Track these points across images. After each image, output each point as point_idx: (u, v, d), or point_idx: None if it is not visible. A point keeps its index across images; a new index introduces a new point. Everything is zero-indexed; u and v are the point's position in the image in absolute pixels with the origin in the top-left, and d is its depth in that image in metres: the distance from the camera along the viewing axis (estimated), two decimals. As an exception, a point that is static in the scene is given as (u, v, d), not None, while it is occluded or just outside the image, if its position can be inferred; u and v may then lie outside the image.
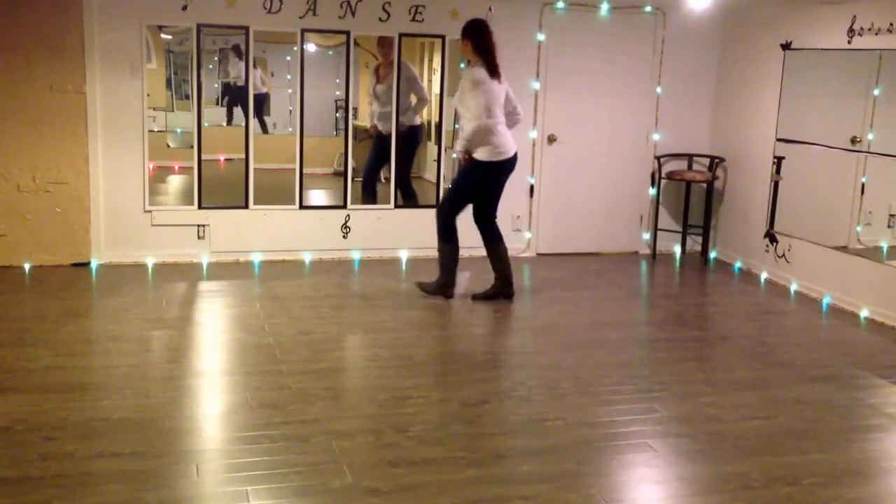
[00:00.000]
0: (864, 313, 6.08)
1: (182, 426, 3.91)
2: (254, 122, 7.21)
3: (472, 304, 6.06)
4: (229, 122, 9.35)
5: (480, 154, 5.82)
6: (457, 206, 6.04)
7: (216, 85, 9.21)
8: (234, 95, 9.21)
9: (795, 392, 4.61)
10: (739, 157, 7.48)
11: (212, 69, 9.25)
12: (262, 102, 9.59)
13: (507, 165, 5.92)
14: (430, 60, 8.48)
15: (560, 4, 7.26)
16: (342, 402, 4.29)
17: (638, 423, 4.12)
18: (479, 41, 5.80)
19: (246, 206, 6.99)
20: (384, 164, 7.59)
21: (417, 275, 6.77)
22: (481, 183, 5.96)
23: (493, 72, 5.78)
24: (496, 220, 6.11)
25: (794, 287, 6.75)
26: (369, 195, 7.64)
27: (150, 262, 6.71)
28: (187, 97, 7.82)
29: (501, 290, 6.12)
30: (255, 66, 9.14)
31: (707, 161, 7.70)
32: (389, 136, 7.35)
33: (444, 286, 6.06)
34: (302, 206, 7.10)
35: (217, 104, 9.35)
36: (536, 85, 7.39)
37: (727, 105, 7.66)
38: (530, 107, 7.36)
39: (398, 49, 7.10)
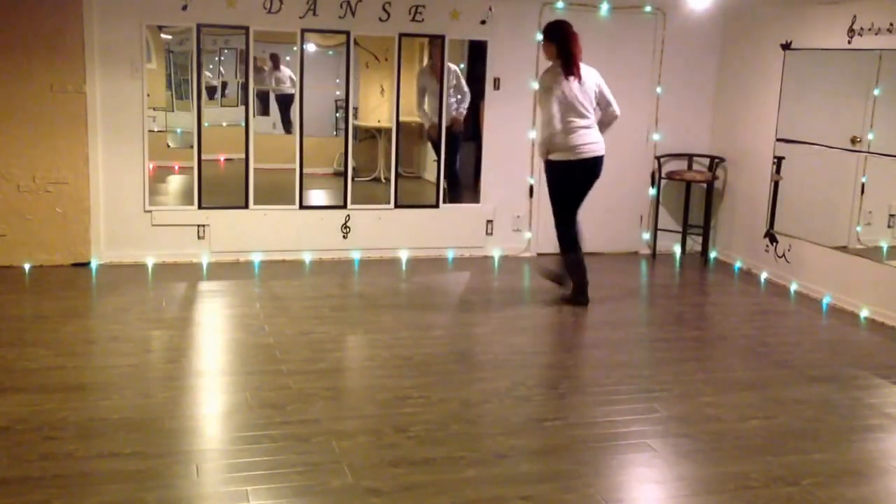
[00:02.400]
0: (864, 313, 6.08)
1: (182, 426, 3.91)
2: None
3: (472, 304, 6.06)
4: (287, 131, 9.39)
5: (554, 155, 5.82)
6: (562, 212, 5.94)
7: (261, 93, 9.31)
8: (279, 103, 9.28)
9: (795, 392, 4.61)
10: (739, 157, 7.48)
11: (229, 72, 9.27)
12: (290, 103, 9.61)
13: (580, 165, 5.83)
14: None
15: (560, 4, 7.26)
16: (342, 402, 4.29)
17: (638, 423, 4.12)
18: (563, 43, 5.74)
19: (246, 206, 6.98)
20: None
21: (417, 275, 6.78)
22: (561, 183, 5.89)
23: (570, 72, 5.74)
24: (577, 224, 5.99)
25: (794, 287, 6.75)
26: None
27: (150, 262, 6.71)
28: (187, 97, 7.82)
29: (572, 298, 6.06)
30: (282, 67, 9.23)
31: (707, 161, 7.70)
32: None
33: (580, 291, 6.01)
34: (302, 206, 7.10)
35: (264, 112, 9.45)
36: (536, 85, 7.37)
37: (727, 105, 7.66)
38: (530, 107, 7.37)
39: (398, 50, 7.11)
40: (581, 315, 5.92)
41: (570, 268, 6.02)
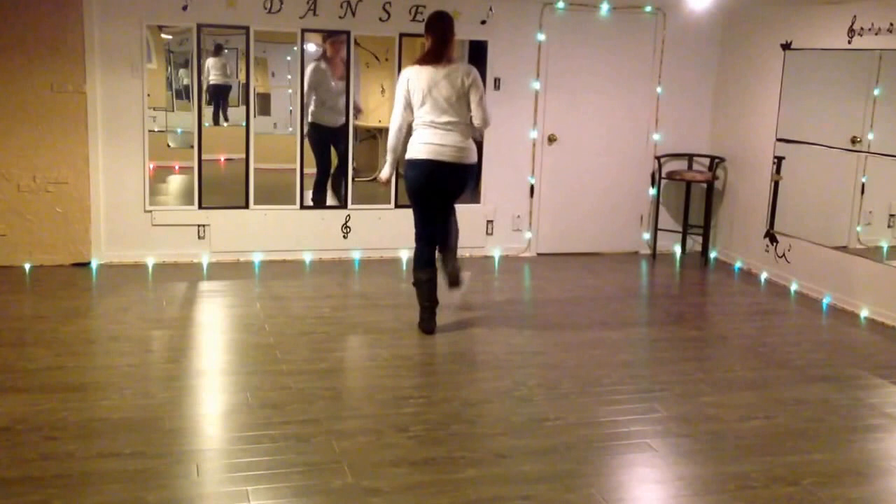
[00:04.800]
0: (864, 313, 6.08)
1: (182, 426, 3.91)
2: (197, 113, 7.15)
3: (472, 304, 6.06)
4: (216, 121, 9.24)
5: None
6: (415, 222, 5.38)
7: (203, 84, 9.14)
8: (213, 94, 9.12)
9: (795, 392, 4.61)
10: (739, 157, 7.48)
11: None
12: (225, 94, 9.42)
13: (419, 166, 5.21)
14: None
15: (560, 4, 7.26)
16: (342, 402, 4.29)
17: (638, 423, 4.12)
18: (428, 30, 5.19)
19: (246, 206, 6.99)
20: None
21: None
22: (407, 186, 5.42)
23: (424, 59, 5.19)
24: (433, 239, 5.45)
25: (794, 287, 6.75)
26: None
27: (150, 262, 6.71)
28: (186, 97, 7.81)
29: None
30: (215, 55, 9.06)
31: (707, 161, 7.70)
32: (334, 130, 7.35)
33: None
34: (302, 206, 7.10)
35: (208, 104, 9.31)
36: (536, 85, 7.38)
37: (727, 105, 7.66)
38: (530, 107, 7.37)
39: (398, 50, 7.10)
40: (580, 315, 5.92)
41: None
